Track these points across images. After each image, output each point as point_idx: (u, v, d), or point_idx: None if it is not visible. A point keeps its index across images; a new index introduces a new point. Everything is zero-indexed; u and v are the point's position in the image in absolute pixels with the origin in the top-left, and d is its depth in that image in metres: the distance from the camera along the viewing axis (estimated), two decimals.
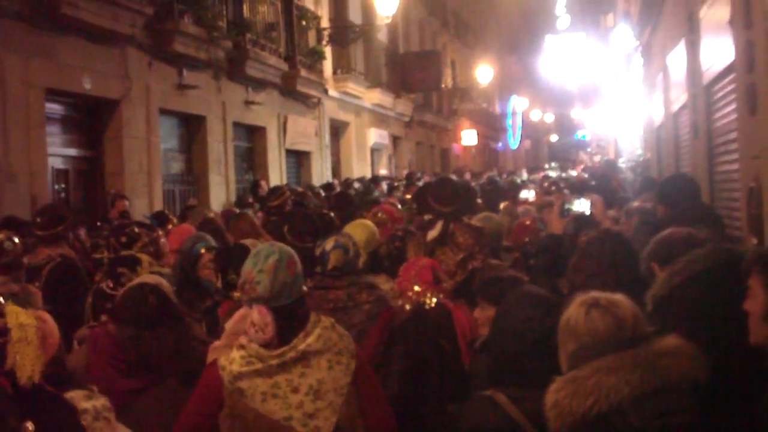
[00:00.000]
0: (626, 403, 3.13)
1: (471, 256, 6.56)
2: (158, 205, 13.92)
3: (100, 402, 3.30)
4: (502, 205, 11.61)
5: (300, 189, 15.98)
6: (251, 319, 3.97)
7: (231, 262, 6.23)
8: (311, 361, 4.00)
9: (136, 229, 7.65)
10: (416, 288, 5.77)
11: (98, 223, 10.41)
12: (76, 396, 3.23)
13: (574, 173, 32.29)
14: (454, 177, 14.21)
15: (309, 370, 3.98)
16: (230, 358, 3.97)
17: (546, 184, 16.94)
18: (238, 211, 11.29)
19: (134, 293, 4.77)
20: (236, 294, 5.85)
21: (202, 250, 6.75)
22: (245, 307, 4.07)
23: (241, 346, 3.99)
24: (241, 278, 4.06)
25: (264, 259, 4.01)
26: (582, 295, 3.50)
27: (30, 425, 2.79)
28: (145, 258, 5.81)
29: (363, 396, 4.15)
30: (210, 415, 3.98)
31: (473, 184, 18.17)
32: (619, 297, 3.42)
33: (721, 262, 3.99)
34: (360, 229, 7.42)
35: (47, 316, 3.70)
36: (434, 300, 5.71)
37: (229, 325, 4.28)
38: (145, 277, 5.14)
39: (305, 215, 7.49)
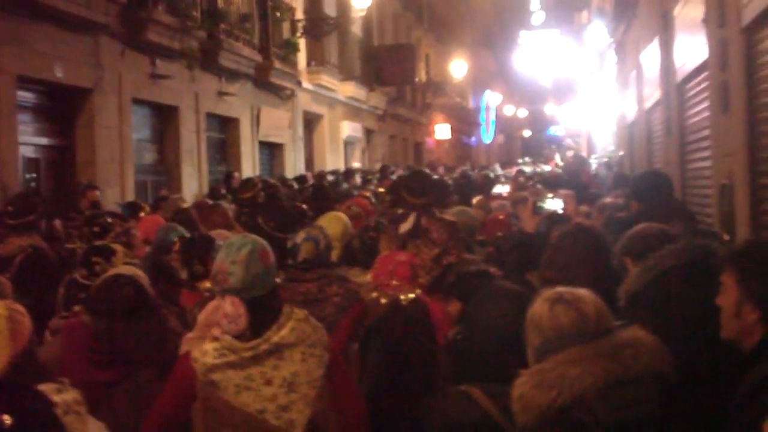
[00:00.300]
0: (589, 394, 3.13)
1: (446, 251, 6.54)
2: (130, 196, 13.82)
3: (71, 395, 3.26)
4: (475, 200, 11.60)
5: (272, 181, 15.92)
6: (224, 311, 3.94)
7: (195, 252, 6.20)
8: (284, 354, 3.97)
9: (109, 219, 7.60)
10: (394, 282, 5.76)
11: (70, 214, 10.32)
12: (46, 389, 3.19)
13: (547, 168, 32.40)
14: (427, 171, 14.20)
15: (282, 363, 3.96)
16: (203, 350, 3.93)
17: (521, 179, 16.95)
18: (211, 202, 11.23)
19: (110, 284, 4.74)
20: (201, 285, 5.83)
21: (175, 239, 6.72)
22: (218, 298, 4.04)
23: (214, 338, 3.95)
24: (214, 269, 4.04)
25: (237, 250, 3.99)
26: (547, 291, 3.51)
27: (7, 419, 2.75)
28: (119, 248, 5.77)
29: (336, 389, 4.12)
30: (182, 407, 3.94)
31: (446, 178, 18.20)
32: (583, 291, 3.43)
33: (694, 258, 4.03)
34: (333, 222, 7.44)
35: (18, 307, 3.65)
36: (411, 295, 5.69)
37: (201, 316, 4.23)
38: (121, 268, 5.10)
39: (279, 206, 7.47)
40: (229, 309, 3.92)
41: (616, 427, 3.12)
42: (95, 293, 4.78)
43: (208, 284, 5.61)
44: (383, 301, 5.68)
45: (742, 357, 3.41)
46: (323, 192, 11.95)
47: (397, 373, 5.13)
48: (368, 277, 6.36)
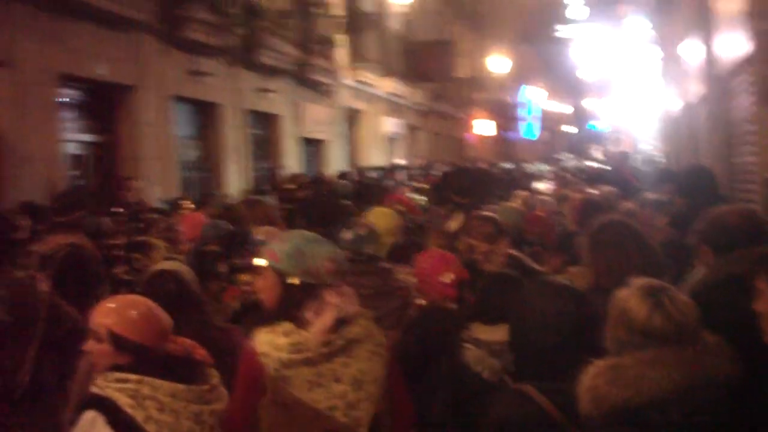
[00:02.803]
0: (666, 397, 3.11)
1: (494, 249, 6.48)
2: (174, 192, 13.91)
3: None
4: (516, 195, 11.53)
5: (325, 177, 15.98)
6: (330, 300, 3.94)
7: (234, 246, 6.21)
8: (354, 351, 3.95)
9: (153, 215, 7.64)
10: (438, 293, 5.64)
11: (114, 209, 10.38)
12: None
13: (589, 164, 32.24)
14: (471, 167, 14.19)
15: (351, 360, 3.94)
16: (275, 344, 3.87)
17: (566, 175, 16.90)
18: (259, 198, 11.29)
19: (154, 280, 4.78)
20: (242, 278, 5.83)
21: None
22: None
23: (286, 333, 3.90)
24: (329, 264, 4.02)
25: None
26: (642, 283, 3.44)
27: None
28: (160, 244, 5.80)
29: (393, 389, 4.12)
30: (255, 404, 3.90)
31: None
32: (683, 299, 3.37)
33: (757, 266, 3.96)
34: (383, 218, 7.41)
35: None
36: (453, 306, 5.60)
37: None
38: (165, 264, 5.13)
39: (320, 203, 7.47)
40: (336, 298, 3.96)
41: (688, 431, 3.11)
42: (141, 288, 4.81)
43: (246, 277, 5.63)
44: (422, 302, 5.59)
45: None
46: (369, 187, 11.95)
47: (428, 371, 5.09)
48: (411, 276, 6.36)
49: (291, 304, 3.96)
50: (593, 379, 3.22)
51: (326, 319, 3.92)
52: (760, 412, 3.41)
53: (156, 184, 13.79)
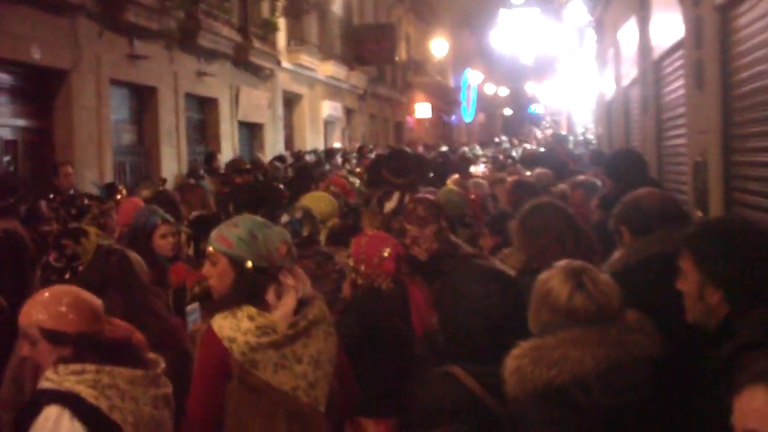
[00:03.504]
0: (589, 376, 3.18)
1: (441, 229, 6.54)
2: (108, 177, 13.78)
3: None
4: (450, 180, 11.61)
5: (264, 160, 15.94)
6: (288, 283, 3.97)
7: (204, 230, 6.20)
8: (312, 332, 4.01)
9: (87, 201, 7.59)
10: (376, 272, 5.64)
11: (50, 195, 10.29)
12: None
13: (527, 146, 32.44)
14: (407, 149, 14.23)
15: (310, 341, 3.99)
16: (241, 329, 3.85)
17: (501, 157, 17.00)
18: (193, 182, 11.25)
19: (100, 253, 4.78)
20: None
21: (158, 221, 6.73)
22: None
23: (251, 317, 3.90)
24: (282, 246, 4.04)
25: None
26: (565, 266, 3.53)
27: None
28: (92, 230, 5.77)
29: (341, 367, 4.20)
30: (220, 390, 3.89)
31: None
32: (604, 279, 3.46)
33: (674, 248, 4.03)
34: (320, 202, 7.44)
35: None
36: (391, 284, 5.60)
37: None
38: (111, 243, 5.14)
39: (250, 187, 7.47)
40: (293, 281, 4.01)
41: (612, 410, 3.18)
42: (88, 265, 4.80)
43: None
44: (360, 281, 5.60)
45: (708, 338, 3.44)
46: (306, 170, 11.96)
47: (372, 354, 5.12)
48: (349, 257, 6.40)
49: (250, 289, 3.96)
50: (517, 360, 3.28)
51: (289, 301, 3.96)
52: (683, 390, 3.48)
53: (90, 168, 13.66)
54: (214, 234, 4.12)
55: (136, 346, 3.77)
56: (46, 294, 3.75)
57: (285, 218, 6.04)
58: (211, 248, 4.06)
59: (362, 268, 5.42)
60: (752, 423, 1.98)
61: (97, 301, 3.79)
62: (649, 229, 4.48)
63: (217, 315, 3.95)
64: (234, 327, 3.87)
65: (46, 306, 3.65)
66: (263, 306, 3.94)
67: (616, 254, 4.58)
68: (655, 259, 4.24)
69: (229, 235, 4.01)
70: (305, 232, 6.11)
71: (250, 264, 3.93)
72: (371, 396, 4.76)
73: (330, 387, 4.03)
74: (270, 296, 3.95)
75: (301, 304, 4.00)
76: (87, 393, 3.43)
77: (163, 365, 3.75)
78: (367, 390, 4.65)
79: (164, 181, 13.97)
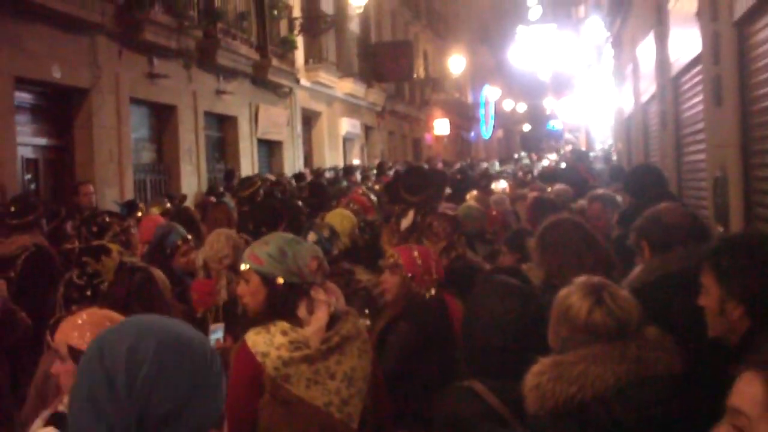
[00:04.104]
0: (610, 392, 3.16)
1: (451, 245, 6.57)
2: (129, 195, 13.85)
3: None
4: (469, 195, 11.59)
5: (273, 177, 15.97)
6: (319, 298, 4.00)
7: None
8: (346, 348, 4.02)
9: (107, 219, 7.62)
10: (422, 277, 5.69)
11: (74, 215, 10.33)
12: None
13: (546, 162, 32.43)
14: (425, 166, 14.23)
15: (344, 357, 4.00)
16: (274, 343, 3.89)
17: (520, 174, 17.00)
18: (214, 200, 11.28)
19: (123, 270, 4.80)
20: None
21: (179, 241, 6.76)
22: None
23: (284, 332, 3.93)
24: (312, 262, 4.07)
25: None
26: (585, 282, 3.52)
27: None
28: (114, 247, 5.80)
29: (376, 385, 4.21)
30: (254, 405, 3.92)
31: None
32: (624, 295, 3.44)
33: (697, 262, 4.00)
34: (340, 219, 7.47)
35: None
36: (433, 291, 5.66)
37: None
38: (133, 260, 5.16)
39: (268, 205, 7.49)
40: (324, 295, 4.05)
41: (633, 427, 3.15)
42: (112, 281, 4.82)
43: None
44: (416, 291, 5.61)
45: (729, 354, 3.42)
46: (320, 188, 11.99)
47: (419, 361, 5.15)
48: (368, 275, 6.42)
49: (282, 304, 4.00)
50: (537, 376, 3.26)
51: (322, 316, 3.98)
52: (704, 406, 3.47)
53: (111, 186, 13.73)
54: (246, 252, 4.17)
55: None
56: (84, 315, 3.76)
57: (312, 236, 6.06)
58: (243, 266, 4.09)
59: (419, 277, 5.46)
60: (743, 405, 2.07)
61: None
62: (669, 245, 4.45)
63: (251, 330, 3.98)
64: (267, 342, 3.90)
65: (81, 327, 3.66)
66: (296, 321, 3.96)
67: (636, 270, 4.57)
68: (675, 276, 4.22)
69: (260, 252, 4.04)
70: (335, 251, 6.14)
71: (281, 280, 3.96)
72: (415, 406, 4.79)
73: (363, 404, 4.02)
74: (302, 311, 3.97)
75: (334, 320, 4.02)
76: None
77: None
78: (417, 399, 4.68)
79: (184, 198, 14.04)
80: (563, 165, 23.25)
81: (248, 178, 13.83)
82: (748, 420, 2.05)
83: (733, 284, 3.37)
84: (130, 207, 10.50)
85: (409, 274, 5.50)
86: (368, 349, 4.18)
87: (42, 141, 13.03)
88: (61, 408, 3.50)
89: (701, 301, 3.51)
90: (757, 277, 3.35)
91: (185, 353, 2.09)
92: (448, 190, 11.92)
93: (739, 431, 2.08)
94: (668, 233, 4.55)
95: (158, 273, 5.07)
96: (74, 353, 3.59)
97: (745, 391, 2.09)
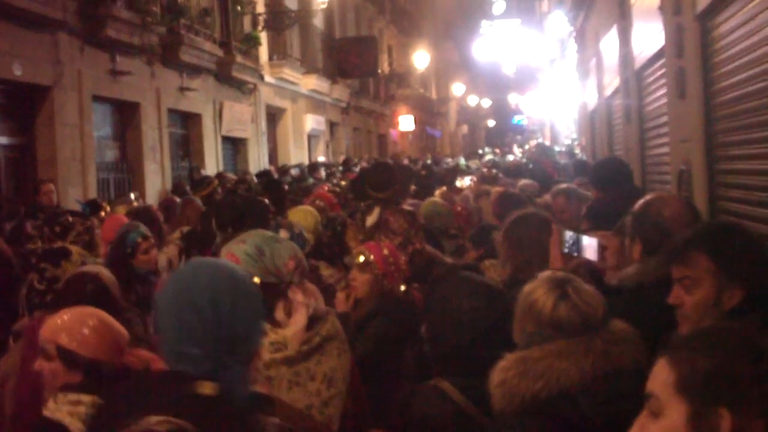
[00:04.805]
0: (576, 387, 3.13)
1: (408, 240, 6.57)
2: (92, 194, 13.75)
3: None
4: (437, 192, 11.60)
5: (235, 177, 15.90)
6: (298, 299, 3.92)
7: (195, 245, 6.17)
8: (326, 348, 3.97)
9: (70, 218, 7.53)
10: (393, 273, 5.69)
11: (35, 216, 10.22)
12: None
13: (511, 158, 32.52)
14: (391, 162, 14.21)
15: (324, 358, 3.95)
16: None
17: (485, 170, 17.00)
18: (178, 199, 11.20)
19: (73, 282, 4.73)
20: None
21: (139, 239, 6.69)
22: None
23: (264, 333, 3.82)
24: (291, 261, 4.00)
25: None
26: (549, 276, 3.48)
27: None
28: (75, 250, 5.73)
29: (354, 385, 4.16)
30: None
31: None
32: (588, 289, 3.39)
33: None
34: (304, 215, 7.45)
35: None
36: (403, 287, 5.67)
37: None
38: (87, 267, 5.08)
39: (231, 203, 7.42)
40: (301, 297, 3.98)
41: (600, 421, 3.12)
42: (61, 290, 4.76)
43: None
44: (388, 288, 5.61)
45: None
46: (277, 185, 11.90)
47: (395, 354, 5.14)
48: (331, 271, 6.40)
49: None
50: (503, 372, 3.23)
51: (300, 318, 3.92)
52: None
53: (74, 185, 13.61)
54: (223, 250, 4.12)
55: None
56: (74, 312, 3.73)
57: (284, 234, 6.01)
58: None
59: (390, 274, 5.46)
60: (655, 389, 2.13)
61: (123, 332, 3.78)
62: (663, 244, 4.04)
63: None
64: None
65: (70, 325, 3.63)
66: (275, 322, 3.90)
67: (630, 269, 4.37)
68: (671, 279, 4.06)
69: (237, 251, 3.98)
70: (307, 248, 6.10)
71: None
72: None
73: (343, 405, 3.98)
74: (279, 314, 3.91)
75: (313, 321, 3.96)
76: (75, 426, 3.36)
77: None
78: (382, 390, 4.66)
79: (138, 197, 13.92)
80: (525, 161, 23.33)
81: (205, 178, 13.77)
82: (660, 402, 2.10)
83: (734, 268, 3.28)
84: (93, 206, 10.39)
85: (381, 272, 5.49)
86: (347, 348, 4.13)
87: (3, 140, 12.88)
88: (47, 413, 3.46)
89: (682, 297, 3.39)
90: (756, 259, 3.32)
91: (247, 287, 2.68)
92: (413, 187, 11.93)
93: (654, 414, 2.13)
94: (667, 232, 4.17)
95: (110, 279, 4.96)
96: (63, 353, 3.56)
97: (657, 375, 2.14)
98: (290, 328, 3.88)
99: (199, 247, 5.93)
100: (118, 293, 4.94)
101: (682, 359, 2.08)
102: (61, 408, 3.42)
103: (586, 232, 6.07)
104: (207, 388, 2.36)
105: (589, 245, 4.95)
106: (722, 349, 2.06)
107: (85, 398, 3.42)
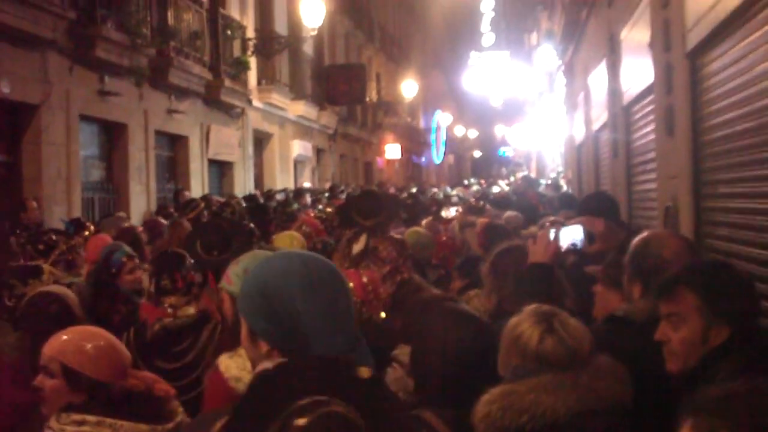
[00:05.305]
0: (561, 422, 3.11)
1: (396, 269, 6.54)
2: (76, 213, 13.68)
3: None
4: (424, 222, 11.58)
5: (222, 199, 15.85)
6: None
7: (166, 267, 6.11)
8: None
9: (54, 237, 7.51)
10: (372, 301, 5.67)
11: (16, 231, 10.18)
12: None
13: (496, 189, 32.57)
14: (377, 190, 14.21)
15: None
16: (246, 367, 3.71)
17: (473, 200, 17.00)
18: (164, 222, 11.17)
19: (37, 301, 4.69)
20: (166, 300, 5.71)
21: (124, 258, 6.66)
22: None
23: (238, 354, 3.83)
24: None
25: None
26: (533, 310, 3.45)
27: None
28: (47, 269, 5.69)
29: None
30: None
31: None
32: (573, 323, 3.36)
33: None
34: (289, 241, 7.42)
35: None
36: (383, 314, 5.65)
37: None
38: (52, 287, 5.04)
39: (217, 226, 7.38)
40: None
41: None
42: (23, 309, 4.72)
43: (172, 300, 5.55)
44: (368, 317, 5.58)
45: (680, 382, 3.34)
46: (263, 210, 11.88)
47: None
48: None
49: None
50: (487, 406, 3.20)
51: None
52: None
53: (59, 204, 13.56)
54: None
55: (155, 399, 3.66)
56: (80, 332, 3.71)
57: None
58: (219, 285, 4.03)
59: (369, 302, 5.42)
60: None
61: (126, 354, 3.75)
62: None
63: (224, 354, 3.92)
64: (240, 366, 3.80)
65: (76, 344, 3.60)
66: None
67: (641, 303, 4.21)
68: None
69: (231, 272, 3.98)
70: None
71: None
72: None
73: None
74: None
75: None
76: None
77: (179, 419, 3.65)
78: None
79: (126, 218, 13.86)
80: (510, 191, 23.37)
81: (191, 200, 13.73)
82: None
83: (721, 305, 3.27)
84: (77, 225, 10.34)
85: (359, 299, 5.46)
86: None
87: None
88: None
89: (669, 334, 3.36)
90: (743, 297, 3.31)
91: (321, 282, 2.65)
92: (402, 215, 11.92)
93: None
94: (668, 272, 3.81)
95: (74, 301, 4.92)
96: (68, 372, 3.53)
97: None
98: None
99: (169, 269, 5.87)
100: (81, 315, 4.89)
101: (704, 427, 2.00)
102: (64, 427, 3.38)
103: (567, 222, 6.10)
104: (364, 371, 2.34)
105: (573, 230, 5.01)
106: (746, 415, 1.99)
107: (90, 418, 3.40)
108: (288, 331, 2.62)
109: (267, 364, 2.55)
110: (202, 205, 12.68)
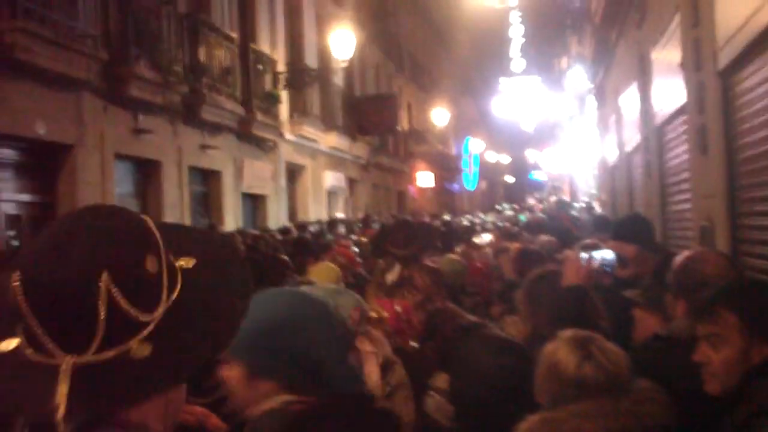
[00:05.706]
0: None
1: (429, 298, 6.52)
2: None
3: None
4: (459, 249, 11.58)
5: (254, 232, 15.90)
6: (366, 349, 3.94)
7: None
8: (395, 397, 3.93)
9: None
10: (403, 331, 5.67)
11: None
12: None
13: (523, 217, 32.51)
14: (410, 219, 14.22)
15: (393, 406, 3.84)
16: None
17: (507, 224, 16.98)
18: None
19: None
20: None
21: None
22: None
23: None
24: (355, 312, 3.98)
25: None
26: (572, 336, 3.44)
27: None
28: None
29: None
30: None
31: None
32: (612, 348, 3.35)
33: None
34: (327, 272, 7.42)
35: None
36: (415, 343, 5.64)
37: None
38: None
39: (252, 260, 7.39)
40: None
41: None
42: None
43: None
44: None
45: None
46: (303, 242, 11.90)
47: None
48: None
49: None
50: None
51: (373, 368, 3.89)
52: None
53: None
54: None
55: None
56: None
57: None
58: None
59: (402, 331, 5.42)
60: None
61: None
62: None
63: None
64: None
65: None
66: None
67: (685, 321, 4.14)
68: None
69: None
70: None
71: None
72: None
73: None
74: None
75: (383, 369, 3.93)
76: None
77: None
78: None
79: None
80: (543, 215, 23.30)
81: (237, 232, 13.77)
82: None
83: (761, 324, 3.20)
84: None
85: (392, 328, 5.45)
86: (411, 395, 4.07)
87: (25, 197, 12.94)
88: None
89: (709, 354, 3.28)
90: None
91: (326, 320, 2.72)
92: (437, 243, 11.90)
93: None
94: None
95: None
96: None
97: None
98: (367, 379, 3.83)
99: None
100: None
101: None
102: None
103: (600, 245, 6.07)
104: (383, 405, 2.37)
105: (604, 253, 5.00)
106: None
107: None
108: (303, 368, 2.63)
109: (277, 404, 2.58)
110: (239, 239, 12.71)
